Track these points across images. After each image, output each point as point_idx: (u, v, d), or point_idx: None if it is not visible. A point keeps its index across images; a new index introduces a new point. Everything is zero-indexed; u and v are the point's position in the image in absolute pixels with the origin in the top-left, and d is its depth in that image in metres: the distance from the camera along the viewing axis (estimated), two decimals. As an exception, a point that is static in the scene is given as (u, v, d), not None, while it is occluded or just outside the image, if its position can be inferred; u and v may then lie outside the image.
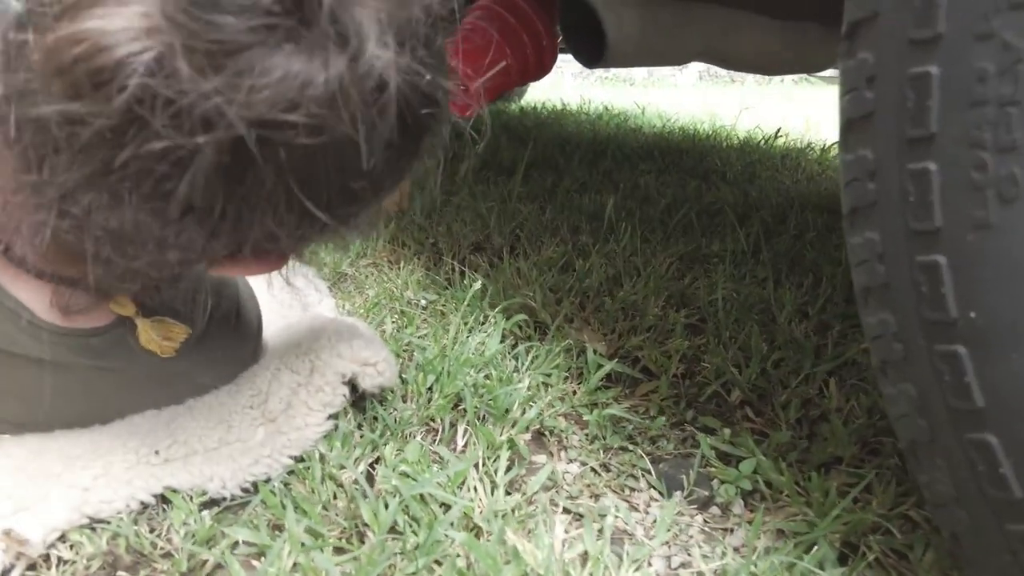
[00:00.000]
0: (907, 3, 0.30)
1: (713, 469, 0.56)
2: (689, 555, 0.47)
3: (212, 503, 0.50)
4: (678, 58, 0.62)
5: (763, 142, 2.27)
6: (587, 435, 0.61)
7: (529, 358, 0.70)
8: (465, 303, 0.80)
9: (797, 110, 3.56)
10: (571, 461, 0.58)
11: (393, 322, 0.78)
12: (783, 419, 0.63)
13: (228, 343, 0.59)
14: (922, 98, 0.30)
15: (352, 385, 0.58)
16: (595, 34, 0.57)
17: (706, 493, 0.54)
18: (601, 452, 0.59)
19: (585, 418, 0.62)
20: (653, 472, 0.56)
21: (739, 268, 1.01)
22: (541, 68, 0.90)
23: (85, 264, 0.38)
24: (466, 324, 0.76)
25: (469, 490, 0.51)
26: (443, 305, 0.86)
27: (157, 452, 0.52)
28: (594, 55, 0.58)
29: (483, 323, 0.77)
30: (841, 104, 0.34)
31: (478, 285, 0.83)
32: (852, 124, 0.34)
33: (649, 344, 0.75)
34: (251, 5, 0.29)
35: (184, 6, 0.28)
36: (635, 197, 1.41)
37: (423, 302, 0.88)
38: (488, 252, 1.09)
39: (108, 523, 0.47)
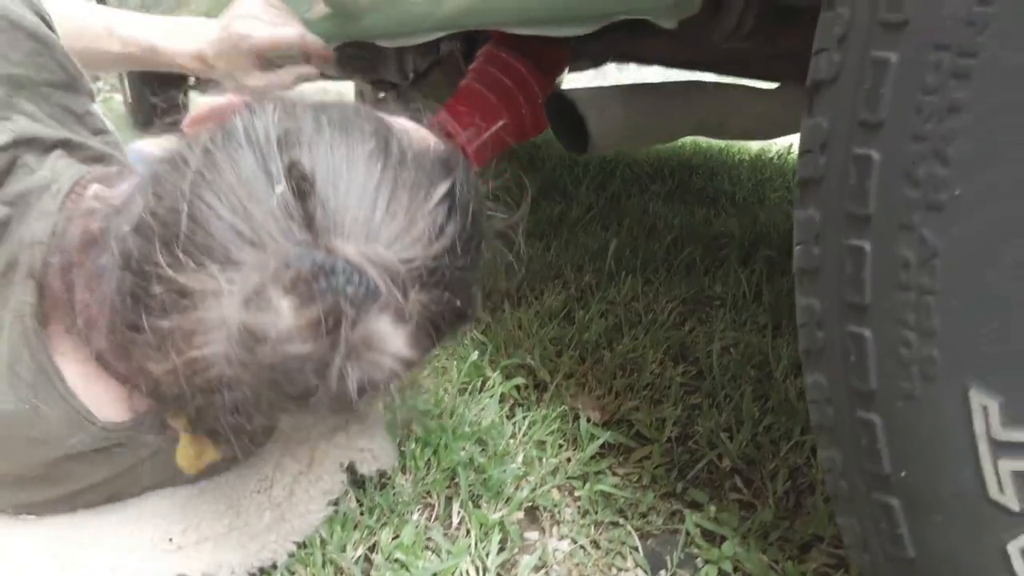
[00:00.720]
0: (844, 177, 0.32)
1: (697, 549, 0.58)
2: (669, 643, 0.50)
3: (220, 584, 0.53)
4: (669, 137, 0.64)
5: (776, 158, 2.26)
6: (579, 508, 0.63)
7: (526, 424, 0.73)
8: (467, 364, 0.83)
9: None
10: (562, 538, 0.60)
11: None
12: (770, 490, 0.64)
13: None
14: (857, 269, 0.31)
15: (351, 469, 0.61)
16: (580, 122, 0.59)
17: (690, 572, 0.56)
18: (592, 528, 0.61)
19: (577, 493, 0.64)
20: (641, 549, 0.59)
21: (740, 313, 1.02)
22: (538, 126, 0.92)
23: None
24: (465, 391, 0.78)
25: (462, 574, 0.54)
26: (445, 360, 0.89)
27: (171, 539, 0.55)
28: (580, 144, 0.61)
29: (481, 388, 0.80)
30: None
31: (474, 354, 0.85)
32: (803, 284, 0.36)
33: (644, 406, 0.77)
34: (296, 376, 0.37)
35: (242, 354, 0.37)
36: (641, 227, 1.42)
37: (427, 357, 0.91)
38: (493, 297, 1.11)
39: (125, 613, 0.50)
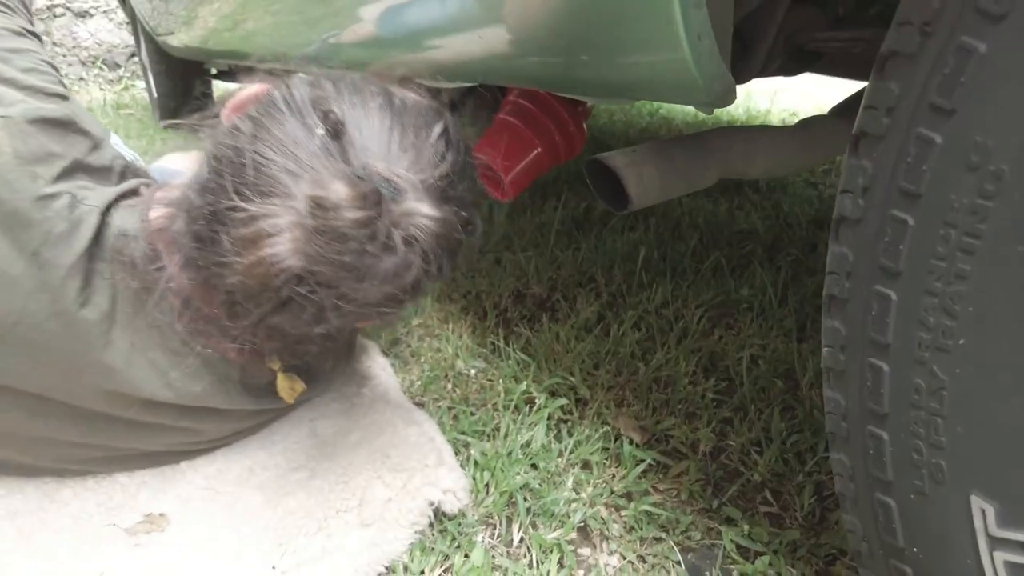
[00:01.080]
0: (868, 307, 0.37)
1: (733, 564, 0.65)
2: (711, 653, 0.58)
3: (319, 604, 0.62)
4: (699, 185, 0.68)
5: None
6: (625, 525, 0.71)
7: (572, 443, 0.80)
8: (510, 378, 0.90)
9: (833, 93, 3.45)
10: (611, 553, 0.68)
11: (450, 408, 0.88)
12: (797, 505, 0.71)
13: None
14: (876, 384, 0.37)
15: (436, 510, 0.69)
16: (619, 183, 0.64)
17: (727, 586, 0.64)
18: (638, 543, 0.69)
19: (623, 512, 0.72)
20: (683, 563, 0.66)
21: (767, 318, 1.07)
22: (571, 150, 0.97)
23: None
24: (514, 411, 0.85)
25: (527, 594, 0.62)
26: (491, 376, 0.96)
27: (274, 567, 0.64)
28: (620, 203, 0.66)
29: (529, 407, 0.87)
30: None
31: (518, 361, 0.92)
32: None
33: (680, 423, 0.84)
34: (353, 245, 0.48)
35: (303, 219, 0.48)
36: (667, 225, 1.47)
37: (473, 371, 0.98)
38: (528, 301, 1.18)
39: (245, 634, 0.59)
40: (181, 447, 0.73)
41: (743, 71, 0.76)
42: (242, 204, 0.50)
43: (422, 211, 0.51)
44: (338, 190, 0.48)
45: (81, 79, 4.10)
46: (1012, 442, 0.32)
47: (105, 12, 4.19)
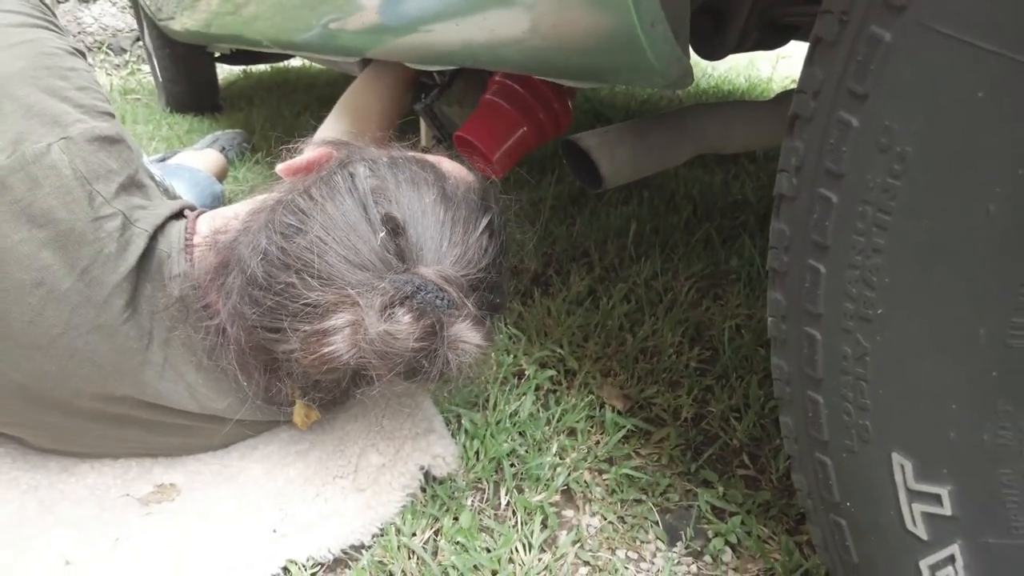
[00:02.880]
0: (802, 279, 0.40)
1: (708, 524, 0.69)
2: (683, 604, 0.61)
3: (317, 563, 0.66)
4: (675, 162, 0.70)
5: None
6: (607, 488, 0.75)
7: (559, 412, 0.84)
8: (502, 351, 0.94)
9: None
10: (593, 515, 0.72)
11: (444, 381, 0.92)
12: (773, 468, 0.75)
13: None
14: (811, 351, 0.40)
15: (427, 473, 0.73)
16: (594, 164, 0.66)
17: (701, 543, 0.67)
18: (618, 505, 0.72)
19: (605, 476, 0.75)
20: (660, 524, 0.70)
21: (754, 288, 1.09)
22: (558, 128, 0.98)
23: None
24: (503, 385, 0.89)
25: (511, 553, 0.66)
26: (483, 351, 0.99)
27: (275, 530, 0.68)
28: (595, 180, 0.68)
29: (518, 378, 0.91)
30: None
31: (509, 335, 0.95)
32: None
33: (663, 391, 0.87)
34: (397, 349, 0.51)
35: (370, 338, 0.50)
36: (662, 198, 1.48)
37: (468, 346, 1.01)
38: (524, 277, 1.21)
39: (250, 593, 0.64)
40: (199, 444, 0.78)
41: (719, 47, 0.78)
42: (304, 291, 0.53)
43: (473, 341, 0.55)
44: (402, 320, 0.51)
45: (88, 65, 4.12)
46: (925, 404, 0.35)
47: (107, -5, 4.19)
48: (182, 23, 2.03)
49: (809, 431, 0.42)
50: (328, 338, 0.52)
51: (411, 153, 0.66)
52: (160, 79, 2.81)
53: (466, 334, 0.55)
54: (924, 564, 0.37)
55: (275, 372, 0.63)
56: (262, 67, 3.60)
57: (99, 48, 4.21)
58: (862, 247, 0.35)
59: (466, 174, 0.68)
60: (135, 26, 4.23)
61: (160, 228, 0.65)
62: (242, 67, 3.58)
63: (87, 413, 0.67)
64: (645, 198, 1.46)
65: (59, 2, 4.11)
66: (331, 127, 1.00)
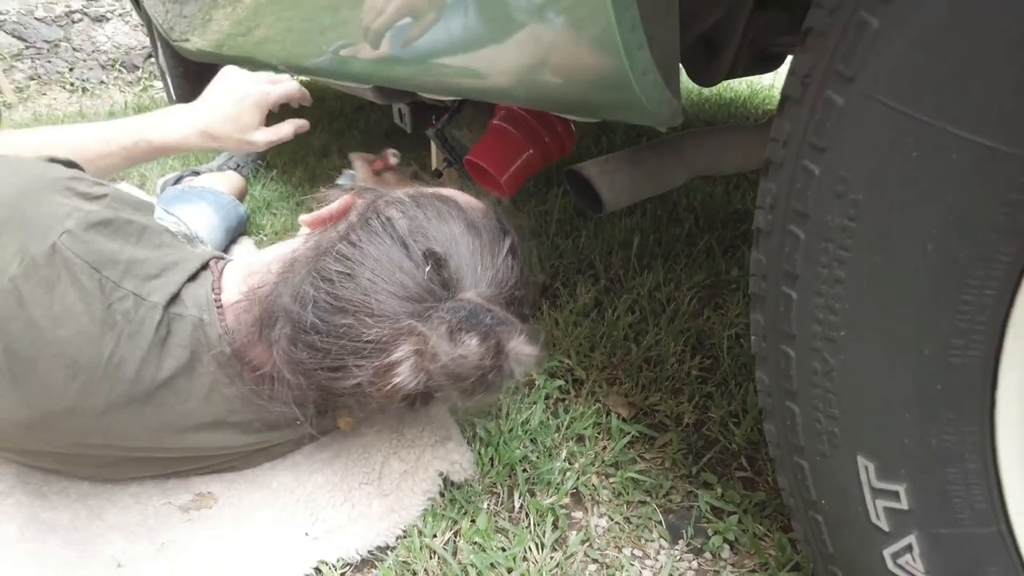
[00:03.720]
0: (776, 304, 0.45)
1: (707, 523, 0.74)
2: (684, 597, 0.67)
3: (346, 563, 0.72)
4: (670, 185, 0.75)
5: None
6: (614, 491, 0.80)
7: (568, 420, 0.89)
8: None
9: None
10: (601, 516, 0.77)
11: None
12: (768, 470, 0.80)
13: None
14: (786, 367, 0.45)
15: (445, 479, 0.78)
16: (594, 189, 0.71)
17: (701, 541, 0.73)
18: (624, 507, 0.78)
19: (611, 479, 0.81)
20: (664, 523, 0.75)
21: (752, 297, 1.14)
22: (562, 149, 1.04)
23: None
24: (515, 394, 0.94)
25: (525, 552, 0.71)
26: (497, 361, 1.05)
27: (307, 534, 0.74)
28: (596, 205, 0.73)
29: (528, 388, 0.96)
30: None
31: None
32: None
33: (666, 398, 0.92)
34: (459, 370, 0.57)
35: (441, 363, 0.56)
36: (665, 209, 1.53)
37: (480, 357, 1.07)
38: (532, 289, 1.26)
39: (286, 591, 0.69)
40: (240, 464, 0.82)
41: (713, 74, 0.83)
42: (363, 329, 0.58)
43: (530, 351, 0.60)
44: (470, 344, 0.56)
45: (102, 82, 4.23)
46: (883, 413, 0.40)
47: (121, 15, 4.30)
48: (195, 43, 2.10)
49: (788, 437, 0.47)
50: (396, 369, 0.57)
51: (430, 189, 0.71)
52: (174, 98, 2.88)
53: (523, 347, 0.60)
54: (887, 553, 0.43)
55: (331, 403, 0.68)
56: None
57: (112, 66, 4.31)
58: (825, 278, 0.40)
59: (477, 203, 0.73)
60: (146, 43, 4.34)
61: (176, 296, 0.66)
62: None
63: (133, 461, 0.73)
64: (648, 210, 1.51)
65: (73, 22, 4.22)
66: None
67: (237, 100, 0.93)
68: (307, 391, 0.65)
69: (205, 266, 0.73)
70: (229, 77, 0.96)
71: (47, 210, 0.61)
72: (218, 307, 0.68)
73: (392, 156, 1.04)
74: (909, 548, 0.41)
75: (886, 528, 0.42)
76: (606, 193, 0.69)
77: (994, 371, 0.36)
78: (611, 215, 1.53)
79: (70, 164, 0.72)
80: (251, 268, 0.72)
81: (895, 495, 0.41)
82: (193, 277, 0.69)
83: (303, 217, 0.71)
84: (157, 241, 0.69)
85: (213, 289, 0.69)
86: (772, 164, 0.43)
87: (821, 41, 0.37)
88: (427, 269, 0.60)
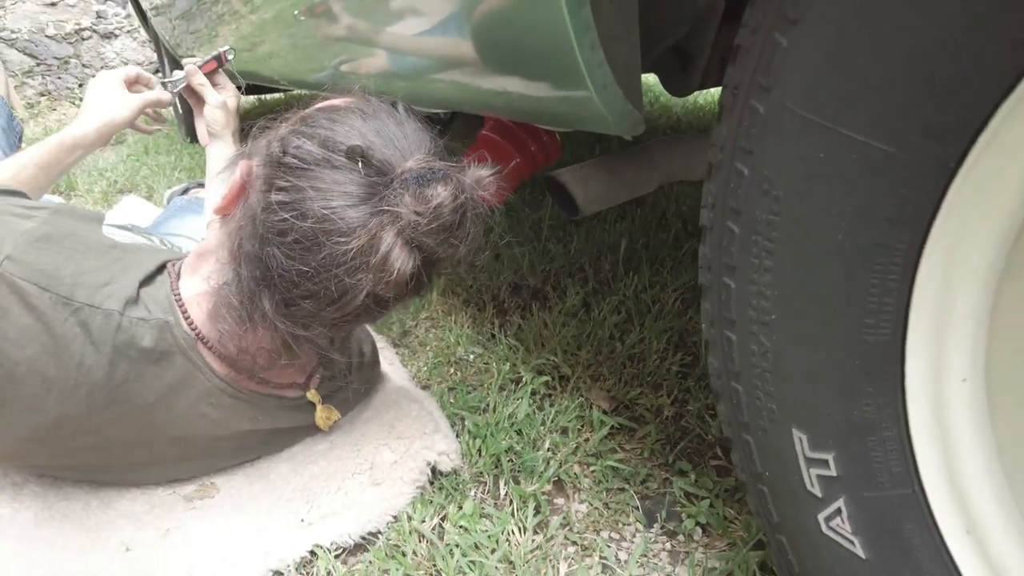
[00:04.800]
0: (719, 293, 0.49)
1: (681, 507, 0.78)
2: (656, 574, 0.71)
3: (340, 547, 0.76)
4: (643, 190, 0.80)
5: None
6: (594, 479, 0.84)
7: (552, 413, 0.93)
8: (503, 360, 1.04)
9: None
10: (582, 502, 0.81)
11: (450, 388, 1.02)
12: (741, 458, 0.84)
13: (364, 376, 0.91)
14: (729, 350, 0.50)
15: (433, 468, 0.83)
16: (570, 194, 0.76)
17: (675, 524, 0.77)
18: (604, 493, 0.82)
19: (592, 468, 0.85)
20: (640, 508, 0.79)
21: (734, 297, 1.18)
22: (548, 157, 1.09)
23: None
24: (503, 391, 0.99)
25: (508, 534, 0.75)
26: (486, 360, 1.10)
27: (303, 520, 0.79)
28: (573, 209, 0.78)
29: (516, 384, 1.01)
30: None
31: (509, 346, 1.05)
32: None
33: (647, 392, 0.96)
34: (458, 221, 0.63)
35: (426, 223, 0.61)
36: (654, 214, 1.58)
37: (471, 357, 1.12)
38: (524, 292, 1.31)
39: (281, 573, 0.74)
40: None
41: (686, 84, 0.88)
42: (342, 248, 0.60)
43: (484, 174, 0.65)
44: (437, 192, 0.60)
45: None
46: (811, 388, 0.45)
47: (129, 32, 4.40)
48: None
49: (736, 415, 0.52)
50: (390, 257, 0.60)
51: (305, 110, 0.72)
52: (180, 111, 2.96)
53: (479, 172, 0.65)
54: (821, 517, 0.47)
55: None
56: (276, 95, 3.75)
57: (121, 81, 4.40)
58: (757, 267, 0.44)
59: (351, 96, 0.73)
60: (154, 58, 4.43)
61: (134, 300, 0.67)
62: (256, 95, 3.75)
63: (148, 465, 0.78)
64: (638, 216, 1.56)
65: (83, 39, 4.33)
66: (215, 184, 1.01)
67: (97, 91, 1.00)
68: (324, 337, 0.69)
69: (162, 268, 0.74)
70: (96, 78, 1.02)
71: None
72: (180, 306, 0.70)
73: (227, 54, 1.06)
74: (839, 511, 0.46)
75: (819, 494, 0.46)
76: (580, 198, 0.74)
77: (902, 348, 0.41)
78: (601, 220, 1.58)
79: (6, 192, 0.76)
80: (198, 261, 0.74)
81: (825, 463, 0.45)
82: (149, 280, 0.71)
83: (214, 209, 0.71)
84: (103, 249, 0.70)
85: (173, 289, 0.71)
86: (712, 166, 0.47)
87: (746, 57, 0.42)
88: (359, 166, 0.62)
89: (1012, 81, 0.32)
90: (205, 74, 1.06)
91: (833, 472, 0.45)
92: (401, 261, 0.61)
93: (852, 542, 0.46)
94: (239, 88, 1.10)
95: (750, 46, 0.41)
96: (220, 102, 1.05)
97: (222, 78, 1.10)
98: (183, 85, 1.06)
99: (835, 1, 0.36)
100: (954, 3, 0.32)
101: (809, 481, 0.47)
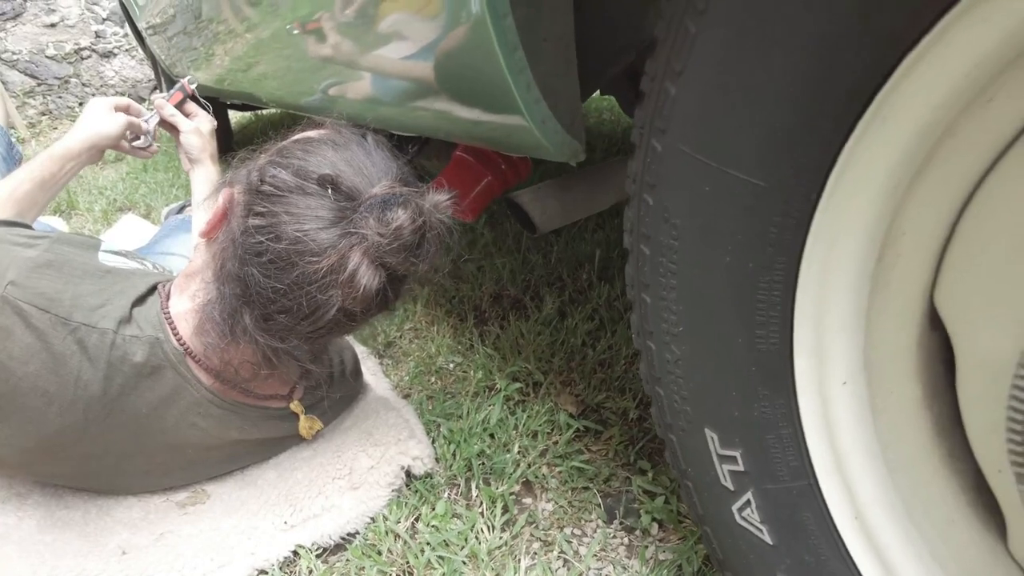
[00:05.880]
0: (640, 308, 0.55)
1: (640, 505, 0.83)
2: (612, 566, 0.76)
3: (320, 547, 0.82)
4: (600, 207, 0.86)
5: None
6: (560, 479, 0.89)
7: (524, 418, 0.99)
8: (480, 368, 1.09)
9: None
10: (548, 501, 0.87)
11: (429, 396, 1.08)
12: (698, 456, 0.89)
13: (345, 386, 0.96)
14: (650, 358, 0.55)
15: (408, 472, 0.88)
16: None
17: (633, 520, 0.82)
18: (569, 492, 0.87)
19: (558, 469, 0.90)
20: (602, 505, 0.85)
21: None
22: (518, 175, 1.14)
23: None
24: (477, 397, 1.04)
25: (477, 532, 0.81)
26: (465, 368, 1.15)
27: (286, 522, 0.84)
28: (532, 227, 0.84)
29: (490, 391, 1.06)
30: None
31: (486, 354, 1.11)
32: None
33: (613, 396, 1.02)
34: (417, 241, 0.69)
35: (386, 244, 0.66)
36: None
37: (451, 366, 1.17)
38: (504, 302, 1.36)
39: (266, 572, 0.79)
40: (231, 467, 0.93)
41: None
42: (313, 267, 0.66)
43: (441, 199, 0.71)
44: (397, 215, 0.66)
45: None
46: (717, 392, 0.50)
47: (127, 50, 4.49)
48: (197, 78, 2.23)
49: (663, 417, 0.57)
50: (357, 275, 0.66)
51: (282, 142, 0.77)
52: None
53: (437, 197, 0.70)
54: (734, 508, 0.52)
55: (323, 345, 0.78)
56: (271, 110, 3.82)
57: (122, 99, 4.49)
58: (664, 285, 0.50)
59: (324, 128, 0.80)
60: (152, 76, 4.52)
61: (128, 319, 0.73)
62: (252, 111, 3.82)
63: (133, 470, 0.83)
64: (615, 225, 1.61)
65: (82, 59, 4.41)
66: (200, 211, 1.08)
67: (87, 110, 1.08)
68: (300, 350, 0.74)
69: (153, 290, 0.80)
70: (91, 101, 1.11)
71: None
72: (170, 323, 0.75)
73: (189, 83, 1.14)
74: (748, 503, 0.51)
75: (731, 487, 0.52)
76: (537, 217, 0.80)
77: (790, 355, 0.46)
78: (581, 231, 1.63)
79: (8, 223, 0.82)
80: (185, 281, 0.80)
81: (734, 459, 0.51)
82: (140, 301, 0.76)
83: (199, 232, 0.76)
84: (99, 274, 0.76)
85: (163, 308, 0.76)
86: (630, 197, 0.53)
87: (648, 102, 0.48)
88: (329, 193, 0.67)
89: (849, 126, 0.37)
90: (175, 105, 1.12)
91: (741, 467, 0.50)
92: (367, 278, 0.67)
93: (761, 530, 0.51)
94: (207, 109, 1.18)
95: (650, 91, 0.47)
96: (193, 128, 1.12)
97: (191, 106, 1.17)
98: (156, 120, 1.13)
99: (711, 57, 0.42)
100: (794, 72, 0.37)
101: (722, 476, 0.52)
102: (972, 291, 0.41)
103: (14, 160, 1.37)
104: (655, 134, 0.47)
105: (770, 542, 0.51)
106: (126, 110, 1.13)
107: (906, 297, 0.45)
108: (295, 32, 1.16)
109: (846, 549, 0.48)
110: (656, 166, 0.47)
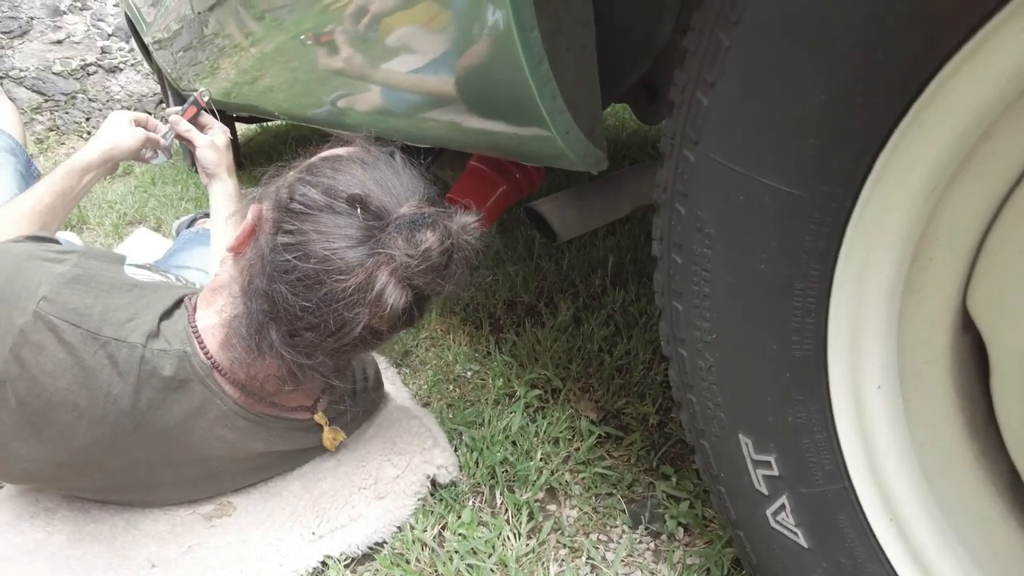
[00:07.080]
0: (671, 319, 0.55)
1: (664, 509, 0.84)
2: (640, 571, 0.76)
3: (349, 557, 0.82)
4: (616, 215, 0.86)
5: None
6: (584, 485, 0.90)
7: (545, 425, 0.99)
8: (498, 375, 1.10)
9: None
10: (572, 507, 0.87)
11: (449, 405, 1.08)
12: (721, 460, 0.89)
13: (367, 399, 0.97)
14: (682, 365, 0.56)
15: (433, 481, 0.89)
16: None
17: (659, 525, 0.82)
18: (593, 498, 0.88)
19: (582, 475, 0.91)
20: (627, 511, 0.85)
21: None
22: (532, 185, 1.15)
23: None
24: (497, 405, 1.05)
25: (504, 540, 0.81)
26: (483, 376, 1.16)
27: (313, 533, 0.85)
28: (552, 235, 0.84)
29: (510, 398, 1.07)
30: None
31: (504, 361, 1.11)
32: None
33: (633, 402, 1.02)
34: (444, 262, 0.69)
35: (415, 266, 0.67)
36: (642, 229, 1.64)
37: (469, 373, 1.18)
38: (519, 309, 1.37)
39: (297, 582, 0.80)
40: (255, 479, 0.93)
41: (654, 115, 0.95)
42: (341, 286, 0.66)
43: (470, 221, 0.72)
44: (426, 237, 0.66)
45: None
46: (752, 397, 0.51)
47: (133, 65, 4.52)
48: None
49: (694, 423, 0.58)
50: (384, 294, 0.67)
51: (309, 160, 0.78)
52: (183, 145, 3.04)
53: (465, 219, 0.71)
54: (768, 513, 0.53)
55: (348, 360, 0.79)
56: (278, 122, 3.85)
57: (127, 113, 4.52)
58: (697, 293, 0.51)
59: (353, 146, 0.80)
60: (157, 90, 4.55)
61: (155, 333, 0.74)
62: (258, 124, 3.84)
63: (160, 482, 0.84)
64: (626, 231, 1.62)
65: (89, 75, 4.45)
66: (223, 226, 1.10)
67: (107, 123, 1.11)
68: (325, 366, 0.75)
69: (179, 303, 0.81)
70: (111, 114, 1.13)
71: (22, 284, 0.69)
72: (197, 337, 0.76)
73: (201, 95, 1.15)
74: (783, 507, 0.51)
75: (766, 492, 0.52)
76: (557, 225, 0.80)
77: (825, 361, 0.47)
78: (592, 237, 1.64)
79: (38, 239, 0.82)
80: (212, 294, 0.80)
81: (769, 464, 0.51)
82: (168, 314, 0.77)
83: (228, 247, 0.77)
84: (127, 288, 0.77)
85: (190, 322, 0.77)
86: (658, 205, 0.54)
87: (679, 112, 0.48)
88: (358, 212, 0.68)
89: (887, 132, 0.38)
90: (189, 119, 1.14)
91: (776, 472, 0.51)
92: (394, 298, 0.68)
93: (796, 534, 0.52)
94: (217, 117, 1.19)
95: (680, 102, 0.48)
96: (208, 142, 1.13)
97: (206, 118, 1.18)
98: (172, 136, 1.14)
99: (745, 68, 0.42)
100: (829, 81, 0.38)
101: (757, 481, 0.52)
102: (1007, 293, 0.42)
103: (33, 176, 1.39)
104: (687, 144, 0.47)
105: (805, 545, 0.51)
106: (144, 125, 1.14)
107: (939, 301, 0.45)
108: (308, 43, 1.18)
109: (882, 551, 0.48)
110: (688, 176, 0.48)
